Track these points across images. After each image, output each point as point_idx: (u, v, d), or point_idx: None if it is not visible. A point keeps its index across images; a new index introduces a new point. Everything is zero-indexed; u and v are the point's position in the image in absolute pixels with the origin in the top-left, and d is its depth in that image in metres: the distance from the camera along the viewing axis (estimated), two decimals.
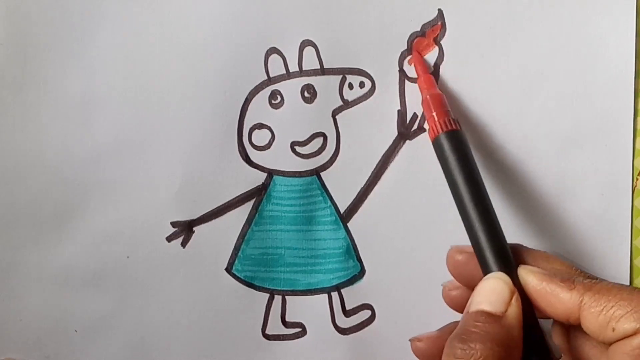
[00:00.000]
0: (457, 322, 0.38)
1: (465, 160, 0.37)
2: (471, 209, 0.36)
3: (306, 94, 0.42)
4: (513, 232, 0.43)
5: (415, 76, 0.42)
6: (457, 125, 0.39)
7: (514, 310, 0.34)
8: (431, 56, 0.42)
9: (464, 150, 0.38)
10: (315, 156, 0.43)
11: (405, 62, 0.42)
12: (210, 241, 0.43)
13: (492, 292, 0.34)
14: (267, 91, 0.42)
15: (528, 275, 0.35)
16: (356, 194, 0.43)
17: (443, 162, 0.38)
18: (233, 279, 0.43)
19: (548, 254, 0.37)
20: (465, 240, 0.43)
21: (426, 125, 0.42)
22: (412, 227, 0.43)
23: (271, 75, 0.42)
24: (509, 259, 0.36)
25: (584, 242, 0.43)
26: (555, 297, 0.34)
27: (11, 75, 0.41)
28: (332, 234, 0.43)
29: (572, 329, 0.36)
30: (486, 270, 0.36)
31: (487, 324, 0.33)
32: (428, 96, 0.40)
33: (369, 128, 0.43)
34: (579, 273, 0.36)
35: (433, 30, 0.42)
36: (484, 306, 0.34)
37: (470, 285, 0.36)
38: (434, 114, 0.39)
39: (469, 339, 0.32)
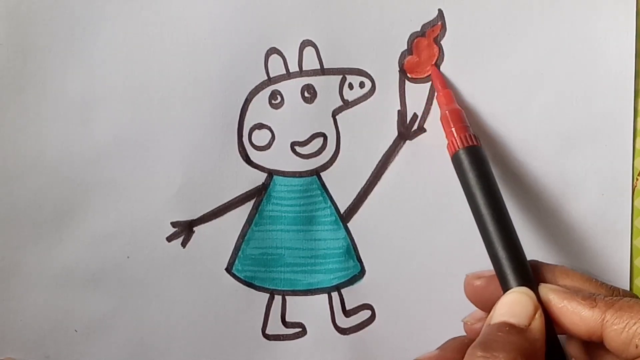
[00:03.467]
0: (457, 338, 0.38)
1: (485, 177, 0.37)
2: (491, 226, 0.36)
3: (306, 94, 0.42)
4: (512, 233, 0.43)
5: (416, 76, 0.42)
6: (476, 140, 0.39)
7: (538, 324, 0.33)
8: (431, 56, 0.42)
9: (483, 166, 0.38)
10: (315, 156, 0.43)
11: (405, 62, 0.42)
12: (210, 241, 0.43)
13: (517, 305, 0.34)
14: (267, 91, 0.42)
15: (549, 294, 0.34)
16: (356, 194, 0.43)
17: (462, 178, 0.38)
18: (233, 279, 0.43)
19: (567, 268, 0.37)
20: (464, 241, 0.43)
21: (427, 126, 0.42)
22: (412, 227, 0.43)
23: (271, 75, 0.42)
24: (530, 275, 0.36)
25: (584, 242, 0.43)
26: (577, 315, 0.33)
27: (11, 75, 0.41)
28: (332, 234, 0.43)
29: (592, 344, 0.35)
30: (507, 287, 0.35)
31: (511, 335, 0.32)
32: (447, 111, 0.40)
33: (369, 128, 0.43)
34: (599, 286, 0.35)
35: (433, 30, 0.42)
36: (508, 318, 0.33)
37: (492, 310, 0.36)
38: (453, 129, 0.39)
39: (492, 347, 0.32)
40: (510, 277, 0.35)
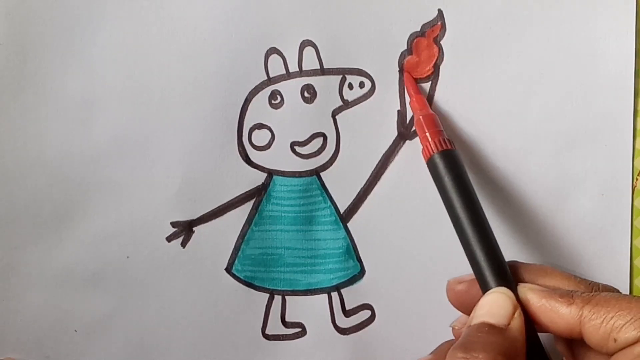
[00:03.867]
0: (449, 342, 0.38)
1: (460, 180, 0.37)
2: (468, 229, 0.36)
3: (306, 94, 0.42)
4: (513, 233, 0.43)
5: (416, 76, 0.42)
6: (450, 144, 0.39)
7: (517, 323, 0.33)
8: (431, 56, 0.42)
9: (458, 170, 0.38)
10: (315, 156, 0.43)
11: (405, 62, 0.42)
12: (210, 241, 0.43)
13: (495, 305, 0.34)
14: (267, 91, 0.42)
15: (528, 293, 0.35)
16: (356, 194, 0.43)
17: (438, 182, 0.38)
18: (233, 279, 0.43)
19: (545, 267, 0.37)
20: None
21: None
22: (412, 227, 0.43)
23: (271, 76, 0.42)
24: (508, 276, 0.36)
25: (584, 242, 0.43)
26: (555, 313, 0.34)
27: (11, 75, 0.41)
28: (332, 234, 0.43)
29: (575, 341, 0.36)
30: (486, 289, 0.35)
31: (491, 335, 0.33)
32: (421, 117, 0.40)
33: (369, 128, 0.43)
34: (578, 282, 0.35)
35: (433, 30, 0.42)
36: (487, 318, 0.33)
37: None
38: (427, 134, 0.39)
39: (472, 348, 0.32)
40: (490, 279, 0.35)
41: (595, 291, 0.35)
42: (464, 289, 0.37)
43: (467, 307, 0.37)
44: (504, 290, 0.35)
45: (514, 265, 0.37)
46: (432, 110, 0.41)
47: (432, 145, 0.39)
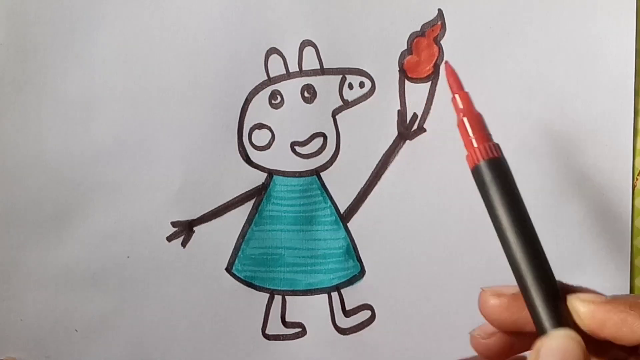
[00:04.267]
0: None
1: (510, 193, 0.33)
2: (518, 252, 0.32)
3: (306, 94, 0.42)
4: None
5: (416, 76, 0.42)
6: (498, 151, 0.34)
7: None
8: (431, 56, 0.42)
9: (507, 181, 0.33)
10: (315, 156, 0.43)
11: (405, 61, 0.42)
12: (210, 241, 0.43)
13: (564, 354, 0.29)
14: (267, 91, 0.42)
15: (578, 304, 0.30)
16: (356, 194, 0.43)
17: (484, 194, 0.33)
18: (233, 279, 0.43)
19: (588, 289, 0.32)
20: (464, 241, 0.43)
21: (427, 126, 0.42)
22: (412, 227, 0.43)
23: (271, 76, 0.42)
24: (562, 313, 0.31)
25: (584, 242, 0.43)
26: (627, 326, 0.29)
27: (11, 75, 0.41)
28: (332, 234, 0.43)
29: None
30: (541, 326, 0.30)
31: None
32: (465, 118, 0.34)
33: (369, 128, 0.43)
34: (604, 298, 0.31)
35: (433, 30, 0.42)
36: None
37: (511, 330, 0.32)
38: (473, 139, 0.34)
39: None
40: (545, 317, 0.30)
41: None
42: (504, 305, 0.32)
43: (504, 323, 0.32)
44: (572, 334, 0.29)
45: (561, 286, 0.32)
46: (477, 110, 0.35)
47: (478, 152, 0.33)
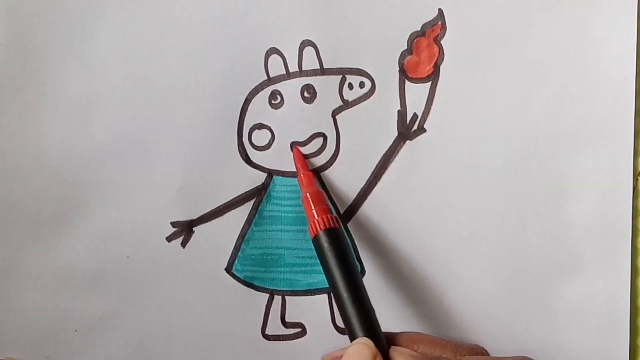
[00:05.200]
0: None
1: (343, 257, 0.39)
2: (347, 302, 0.38)
3: (306, 94, 0.42)
4: (513, 233, 0.43)
5: (416, 76, 0.42)
6: (336, 223, 0.40)
7: None
8: (431, 56, 0.42)
9: (342, 247, 0.39)
10: (315, 156, 0.43)
11: (405, 61, 0.42)
12: (210, 241, 0.43)
13: (355, 355, 0.36)
14: (267, 91, 0.42)
15: (398, 356, 0.36)
16: (356, 194, 0.43)
17: (321, 257, 0.39)
18: (233, 279, 0.43)
19: (415, 334, 0.39)
20: (464, 241, 0.43)
21: (427, 126, 0.42)
22: (411, 227, 0.43)
23: (271, 76, 0.42)
24: (382, 341, 0.37)
25: (584, 242, 0.43)
26: None
27: (11, 75, 0.41)
28: None
29: None
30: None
31: None
32: (308, 194, 0.41)
33: (369, 128, 0.43)
34: (444, 346, 0.38)
35: (433, 30, 0.42)
36: None
37: None
38: (314, 211, 0.40)
39: None
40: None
41: (460, 354, 0.37)
42: None
43: None
44: (364, 340, 0.36)
45: (389, 335, 0.38)
46: (319, 188, 0.42)
47: (318, 223, 0.40)
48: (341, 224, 0.41)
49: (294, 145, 0.43)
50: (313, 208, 0.40)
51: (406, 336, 0.38)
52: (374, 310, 0.38)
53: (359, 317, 0.37)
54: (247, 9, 0.41)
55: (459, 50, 0.42)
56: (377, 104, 0.42)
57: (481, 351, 0.38)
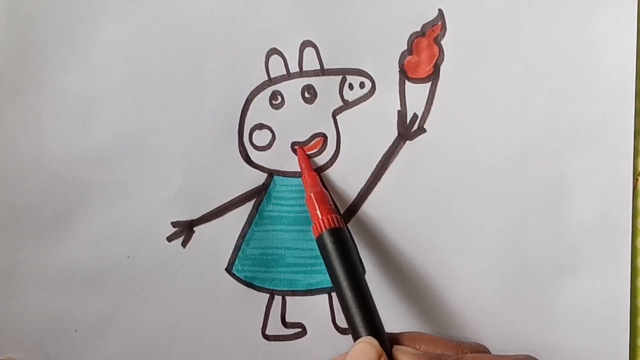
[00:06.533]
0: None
1: (347, 257, 0.39)
2: (351, 301, 0.38)
3: (306, 95, 0.42)
4: (513, 233, 0.43)
5: (416, 76, 0.42)
6: (340, 223, 0.40)
7: None
8: (431, 56, 0.42)
9: (345, 247, 0.39)
10: (315, 156, 0.43)
11: (405, 62, 0.42)
12: (210, 241, 0.43)
13: (361, 354, 0.36)
14: (267, 92, 0.42)
15: (400, 355, 0.37)
16: (356, 194, 0.43)
17: (325, 257, 0.39)
18: (233, 279, 0.43)
19: (416, 333, 0.39)
20: (464, 240, 0.43)
21: (427, 126, 0.42)
22: (412, 227, 0.43)
23: (272, 76, 0.42)
24: (385, 340, 0.37)
25: (584, 242, 0.43)
26: None
27: (11, 75, 0.41)
28: None
29: None
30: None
31: None
32: (312, 194, 0.41)
33: (369, 128, 0.43)
34: (446, 345, 0.38)
35: (433, 30, 0.42)
36: None
37: None
38: (318, 211, 0.40)
39: None
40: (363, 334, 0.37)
41: (462, 352, 0.37)
42: None
43: None
44: (369, 339, 0.37)
45: (391, 335, 0.38)
46: (322, 188, 0.42)
47: (322, 223, 0.40)
48: (345, 224, 0.41)
49: (294, 145, 0.43)
50: (317, 208, 0.40)
51: (408, 336, 0.38)
52: (377, 310, 0.38)
53: (362, 317, 0.38)
54: (248, 10, 0.41)
55: (459, 50, 0.42)
56: (377, 104, 0.42)
57: (483, 350, 0.38)
